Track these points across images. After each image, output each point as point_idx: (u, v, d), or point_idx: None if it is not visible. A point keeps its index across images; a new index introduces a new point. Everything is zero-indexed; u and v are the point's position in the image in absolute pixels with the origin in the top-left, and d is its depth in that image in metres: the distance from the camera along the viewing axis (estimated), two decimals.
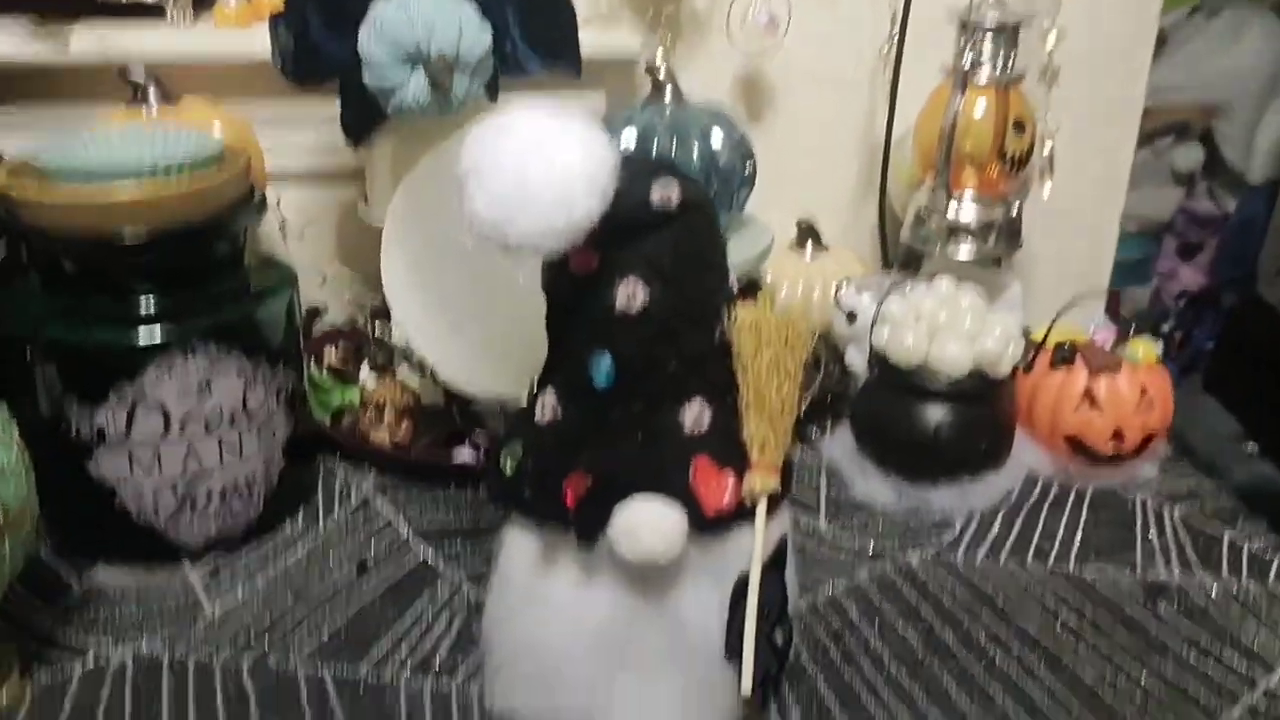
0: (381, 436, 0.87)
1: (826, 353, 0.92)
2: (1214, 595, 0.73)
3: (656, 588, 0.56)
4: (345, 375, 0.92)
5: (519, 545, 0.58)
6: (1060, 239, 1.15)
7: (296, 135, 0.99)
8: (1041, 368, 0.84)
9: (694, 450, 0.56)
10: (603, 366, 0.55)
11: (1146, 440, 0.82)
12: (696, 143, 0.91)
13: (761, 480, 0.56)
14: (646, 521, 0.53)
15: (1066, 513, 0.81)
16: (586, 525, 0.54)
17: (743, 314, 0.57)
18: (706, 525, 0.55)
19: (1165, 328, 1.99)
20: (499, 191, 0.51)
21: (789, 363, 0.56)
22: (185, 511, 0.74)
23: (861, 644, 0.68)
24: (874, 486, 0.81)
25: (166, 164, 0.70)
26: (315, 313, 1.02)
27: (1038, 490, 0.84)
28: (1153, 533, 0.79)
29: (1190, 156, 1.81)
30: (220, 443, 0.74)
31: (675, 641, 0.57)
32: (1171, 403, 0.83)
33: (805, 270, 1.03)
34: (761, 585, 0.56)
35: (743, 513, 0.56)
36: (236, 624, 0.70)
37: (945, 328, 0.79)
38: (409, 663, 0.67)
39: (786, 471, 0.58)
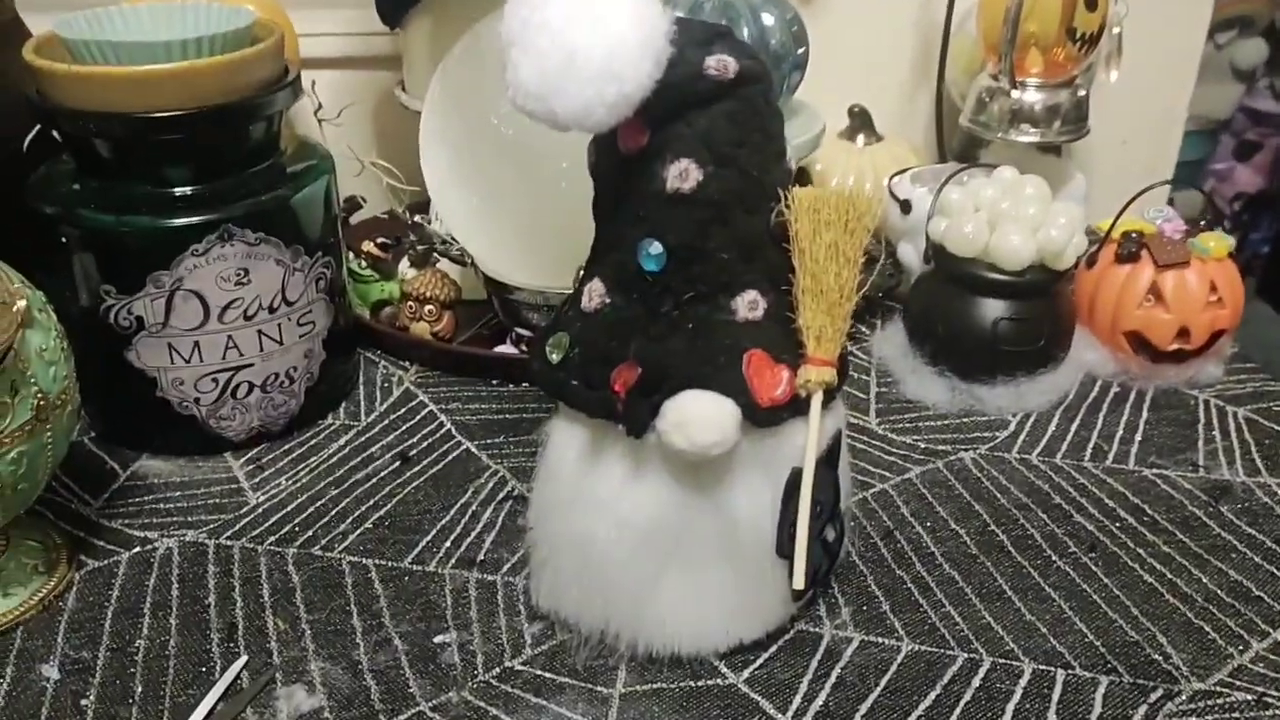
0: (422, 329, 0.85)
1: (877, 249, 0.89)
2: (1279, 496, 0.70)
3: (707, 482, 0.54)
4: (384, 267, 0.90)
5: (565, 437, 0.56)
6: (1123, 128, 1.10)
7: (331, 17, 0.96)
8: (1105, 261, 0.80)
9: (747, 340, 0.53)
10: (652, 251, 0.53)
11: (1213, 338, 0.79)
12: (746, 23, 0.86)
13: (817, 372, 0.54)
14: (698, 414, 0.51)
15: (1126, 412, 0.79)
16: (635, 417, 0.52)
17: (800, 195, 0.54)
18: (759, 418, 0.53)
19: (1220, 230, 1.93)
20: (544, 61, 0.48)
21: (848, 247, 0.54)
22: (226, 402, 0.73)
23: (913, 541, 0.67)
24: (926, 384, 0.79)
25: (199, 39, 0.68)
26: (353, 203, 1.00)
27: (1096, 389, 0.81)
28: (1216, 433, 0.76)
29: (1253, 51, 1.73)
30: (260, 333, 0.72)
31: (726, 536, 0.55)
32: (1242, 299, 0.80)
33: (857, 160, 1.00)
34: (814, 481, 0.54)
35: (797, 405, 0.54)
36: (280, 513, 0.69)
37: (1007, 217, 0.75)
38: (453, 555, 0.66)
39: (842, 363, 0.56)
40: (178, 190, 0.69)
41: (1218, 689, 0.56)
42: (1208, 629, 0.60)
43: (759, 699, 0.56)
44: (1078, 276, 0.80)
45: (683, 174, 0.52)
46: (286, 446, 0.76)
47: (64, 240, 0.69)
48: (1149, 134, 1.12)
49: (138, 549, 0.66)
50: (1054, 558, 0.65)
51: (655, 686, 0.57)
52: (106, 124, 0.67)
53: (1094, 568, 0.65)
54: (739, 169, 0.52)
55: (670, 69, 0.50)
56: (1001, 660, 0.58)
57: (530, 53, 0.48)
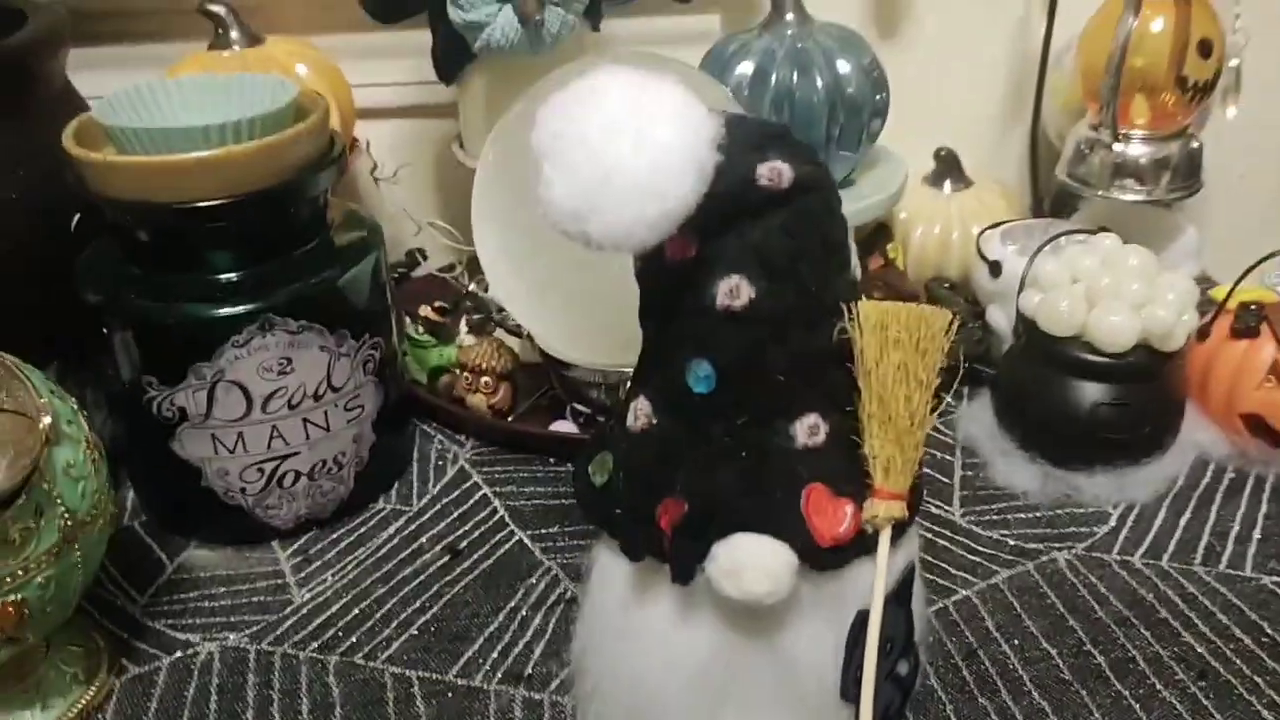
0: (479, 401, 0.82)
1: (965, 309, 0.82)
2: None
3: (763, 625, 0.49)
4: (442, 332, 0.87)
5: (611, 568, 0.52)
6: (1240, 162, 1.01)
7: (387, 67, 0.93)
8: (1220, 333, 0.73)
9: (807, 471, 0.48)
10: (701, 372, 0.48)
11: None
12: (820, 71, 0.81)
13: (885, 508, 0.48)
14: (750, 561, 0.46)
15: (1243, 505, 0.71)
16: (683, 561, 0.48)
17: (866, 310, 0.48)
18: (821, 559, 0.48)
19: None
20: (578, 179, 0.44)
21: (919, 369, 0.48)
22: (273, 491, 0.71)
23: (999, 663, 0.61)
24: (1017, 470, 0.72)
25: (238, 122, 0.65)
26: (413, 259, 0.97)
27: (1208, 476, 0.73)
28: None
29: None
30: (305, 421, 0.69)
31: (784, 682, 0.50)
32: None
33: (944, 209, 0.93)
34: (884, 620, 0.49)
35: (862, 543, 0.49)
36: (324, 615, 0.66)
37: (1108, 292, 0.68)
38: (500, 667, 0.62)
39: (914, 495, 0.50)
40: (221, 277, 0.67)
41: None
42: None
43: None
44: (1189, 350, 0.73)
45: (734, 291, 0.47)
46: (335, 535, 0.73)
47: (104, 330, 0.67)
48: (1271, 168, 1.03)
49: (179, 654, 0.64)
50: (1158, 686, 0.59)
51: None
52: (144, 213, 0.65)
53: (1203, 700, 0.58)
54: (796, 284, 0.47)
55: (718, 178, 0.45)
56: None
57: (563, 169, 0.44)
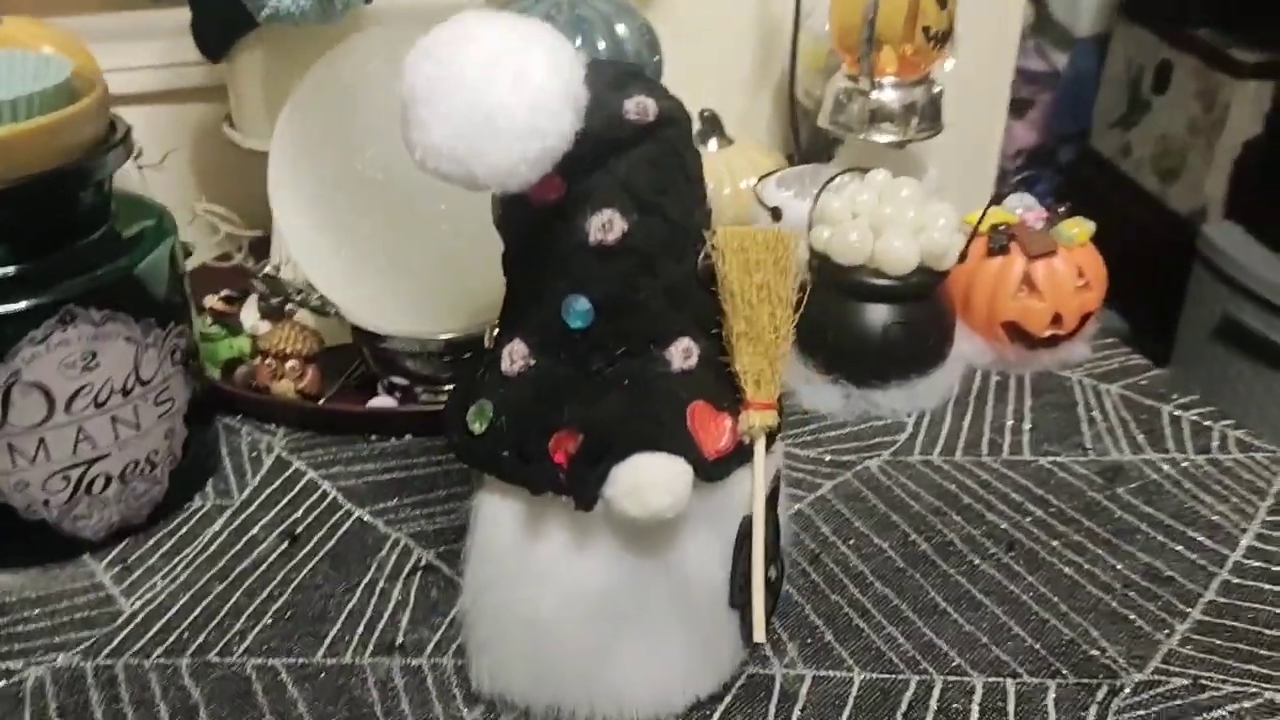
0: (285, 388, 0.79)
1: None
2: (1166, 471, 0.73)
3: (656, 543, 0.51)
4: (231, 322, 0.83)
5: (499, 511, 0.52)
6: (949, 112, 1.12)
7: (140, 49, 0.87)
8: (976, 255, 0.82)
9: (687, 392, 0.51)
10: (578, 308, 0.49)
11: (1083, 321, 0.82)
12: (602, 35, 0.83)
13: (760, 417, 0.52)
14: (651, 478, 0.48)
15: (1011, 400, 0.81)
16: (583, 487, 0.49)
17: (726, 236, 0.52)
18: (709, 472, 0.51)
19: (1007, 186, 2.04)
20: (458, 122, 0.44)
21: (780, 286, 0.52)
22: (81, 500, 0.65)
23: (841, 562, 0.66)
24: (821, 394, 0.78)
25: (14, 100, 0.59)
26: (185, 252, 0.91)
27: (978, 381, 0.83)
28: (1096, 414, 0.79)
29: None
30: (114, 419, 0.65)
31: (678, 595, 0.53)
32: (1105, 282, 0.83)
33: (712, 165, 0.98)
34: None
35: (741, 453, 0.52)
36: (162, 619, 0.62)
37: (889, 221, 0.75)
38: (369, 641, 0.61)
39: (782, 404, 0.54)
40: (3, 270, 0.61)
41: (1156, 678, 0.58)
42: (1133, 616, 0.62)
43: None
44: (953, 271, 0.81)
45: (606, 225, 0.48)
46: (155, 539, 0.68)
47: None
48: (977, 115, 1.16)
49: (2, 683, 0.58)
50: (977, 561, 0.66)
51: None
52: None
53: (1016, 567, 0.66)
54: (664, 215, 0.50)
55: (589, 115, 0.47)
56: (953, 678, 0.58)
57: (441, 112, 0.44)
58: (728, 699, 0.57)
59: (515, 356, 0.51)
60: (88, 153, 0.62)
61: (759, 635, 0.53)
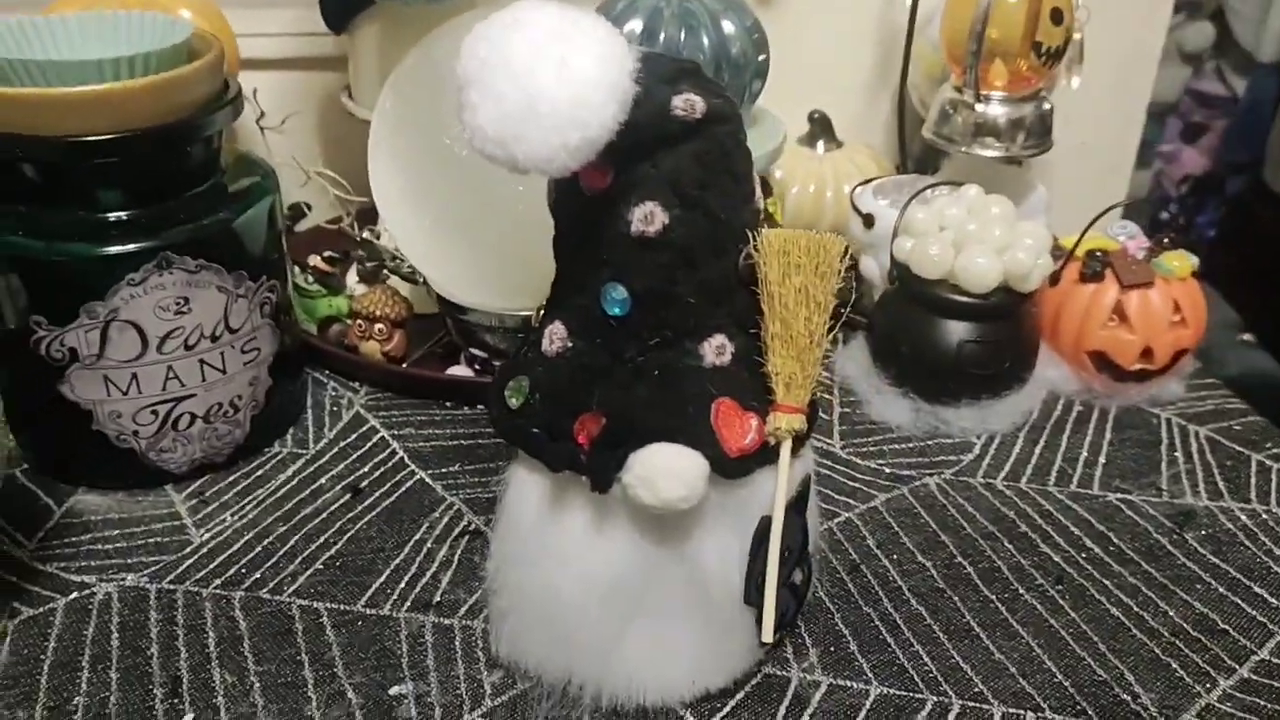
0: (372, 349, 0.82)
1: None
2: (1242, 522, 0.70)
3: (674, 533, 0.52)
4: (332, 282, 0.87)
5: (527, 486, 0.54)
6: (1083, 131, 1.09)
7: (273, 17, 0.92)
8: (1069, 279, 0.79)
9: (715, 388, 0.51)
10: (616, 296, 0.51)
11: (1176, 357, 0.79)
12: (706, 31, 0.84)
13: (787, 420, 0.52)
14: (665, 468, 0.49)
15: (1090, 433, 0.78)
16: (601, 470, 0.50)
17: (770, 237, 0.52)
18: (729, 469, 0.51)
19: (1165, 214, 1.94)
20: (504, 106, 0.46)
21: (819, 291, 0.52)
22: (167, 434, 0.70)
23: (880, 575, 0.66)
24: (890, 406, 0.78)
25: (132, 58, 0.64)
26: (298, 210, 0.97)
27: (1059, 408, 0.80)
28: (1179, 454, 0.76)
29: (1200, 34, 1.74)
30: (202, 362, 0.69)
31: (693, 587, 0.54)
32: (1204, 318, 0.79)
33: (817, 167, 0.98)
34: (783, 529, 0.53)
35: (766, 454, 0.52)
36: (225, 553, 0.66)
37: (973, 238, 0.74)
38: (408, 597, 0.64)
39: (812, 409, 0.54)
40: (112, 216, 0.66)
41: None
42: (1175, 665, 0.60)
43: None
44: (1042, 294, 0.79)
45: (648, 217, 0.49)
46: (231, 478, 0.73)
47: None
48: (1109, 135, 1.12)
49: (75, 595, 0.63)
50: (1021, 591, 0.65)
51: None
52: (33, 148, 0.63)
53: (1061, 601, 0.64)
54: (706, 211, 0.50)
55: (635, 108, 0.47)
56: (971, 704, 0.57)
57: (489, 96, 0.46)
58: (739, 695, 0.57)
59: (555, 337, 0.53)
60: (198, 110, 0.67)
61: (766, 636, 0.53)
